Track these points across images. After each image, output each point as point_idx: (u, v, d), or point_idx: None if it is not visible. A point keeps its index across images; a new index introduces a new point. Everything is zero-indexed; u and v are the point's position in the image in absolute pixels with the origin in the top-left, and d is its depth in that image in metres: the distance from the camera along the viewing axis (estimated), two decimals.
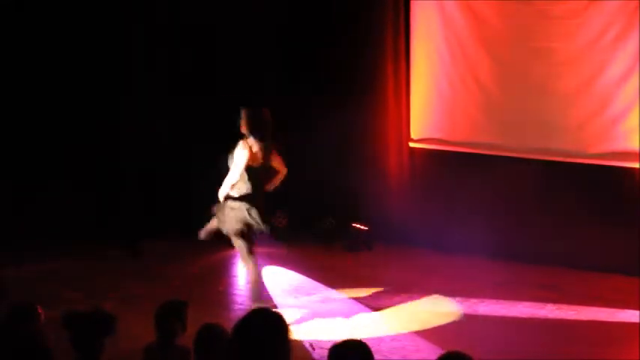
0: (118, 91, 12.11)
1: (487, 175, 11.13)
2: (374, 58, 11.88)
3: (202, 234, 9.44)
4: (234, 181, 8.77)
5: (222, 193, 8.84)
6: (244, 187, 8.84)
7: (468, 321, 9.02)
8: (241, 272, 11.15)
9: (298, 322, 8.80)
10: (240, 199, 8.85)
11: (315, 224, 12.15)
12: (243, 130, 8.85)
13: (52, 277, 10.29)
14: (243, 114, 8.89)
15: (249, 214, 8.83)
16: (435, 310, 9.34)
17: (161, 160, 12.19)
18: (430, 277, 10.39)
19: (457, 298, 9.59)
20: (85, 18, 11.85)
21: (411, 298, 9.63)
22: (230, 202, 8.86)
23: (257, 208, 8.86)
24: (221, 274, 10.83)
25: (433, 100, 11.62)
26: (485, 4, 11.04)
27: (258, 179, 8.93)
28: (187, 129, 12.13)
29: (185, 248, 11.46)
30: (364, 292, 9.81)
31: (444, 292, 9.76)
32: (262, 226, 8.88)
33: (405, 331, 8.66)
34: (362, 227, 11.77)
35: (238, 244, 9.02)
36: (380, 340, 8.36)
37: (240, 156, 8.73)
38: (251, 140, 8.80)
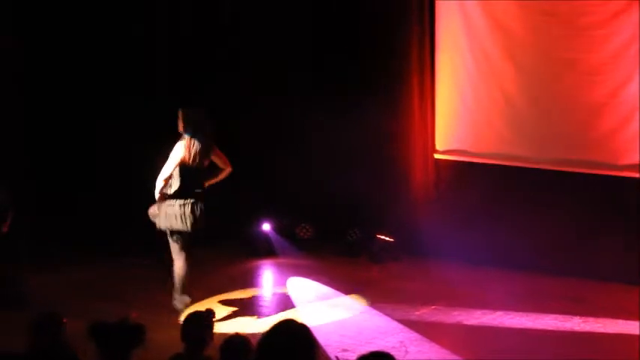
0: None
1: (512, 187, 11.11)
2: (399, 69, 11.89)
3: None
4: (166, 177, 8.90)
5: (156, 190, 8.98)
6: (177, 185, 9.00)
7: (493, 333, 8.99)
8: (267, 283, 11.22)
9: (322, 333, 8.79)
10: (174, 196, 9.00)
11: (340, 235, 12.15)
12: (180, 129, 9.01)
13: (77, 287, 10.35)
14: (179, 114, 9.06)
15: (183, 212, 8.96)
16: (460, 322, 9.32)
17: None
18: (455, 289, 10.35)
19: (482, 310, 9.57)
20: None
21: (436, 310, 9.62)
22: (167, 200, 8.99)
23: (193, 207, 9.00)
24: (246, 284, 10.84)
25: (458, 111, 11.61)
26: (511, 16, 11.02)
27: (195, 178, 9.10)
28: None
29: (211, 258, 11.50)
30: (389, 303, 9.80)
31: (469, 304, 9.74)
32: (188, 226, 8.99)
33: (430, 342, 8.64)
34: (387, 239, 11.76)
35: (171, 240, 9.15)
36: (405, 351, 8.36)
37: (175, 153, 8.90)
38: (189, 140, 8.92)
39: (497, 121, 11.28)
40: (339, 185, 11.92)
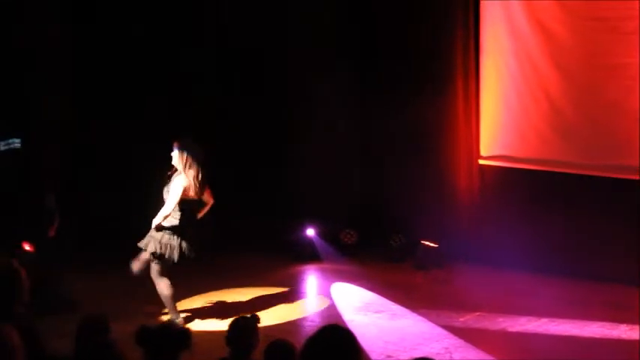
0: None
1: (557, 193, 11.04)
2: (443, 73, 11.87)
3: (135, 266, 9.37)
4: (170, 211, 8.92)
5: (155, 223, 8.96)
6: (176, 219, 9.01)
7: (538, 340, 8.94)
8: (311, 288, 11.24)
9: (366, 339, 8.79)
10: (171, 229, 9.00)
11: (384, 241, 12.14)
12: (179, 164, 8.96)
13: (123, 291, 10.43)
14: (178, 148, 8.99)
15: (179, 244, 8.99)
16: (505, 328, 9.27)
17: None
18: (499, 295, 10.32)
19: (527, 317, 9.51)
20: None
21: (481, 317, 9.58)
22: (164, 230, 9.00)
23: (188, 238, 9.04)
24: (290, 289, 10.87)
25: (503, 116, 11.56)
26: (555, 20, 10.96)
27: (194, 210, 9.17)
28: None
29: (255, 263, 11.56)
30: (433, 309, 9.78)
31: (513, 311, 9.69)
32: (184, 256, 9.03)
33: (475, 349, 8.61)
34: (432, 245, 11.73)
35: (156, 263, 9.11)
36: (449, 358, 8.34)
37: (178, 189, 8.89)
38: (196, 171, 8.92)
39: (542, 126, 11.22)
40: (384, 191, 11.93)
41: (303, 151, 12.46)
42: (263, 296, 10.42)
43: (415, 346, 8.69)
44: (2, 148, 10.57)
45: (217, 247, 11.80)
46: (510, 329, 9.26)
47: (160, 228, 8.96)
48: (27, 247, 9.53)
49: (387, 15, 12.38)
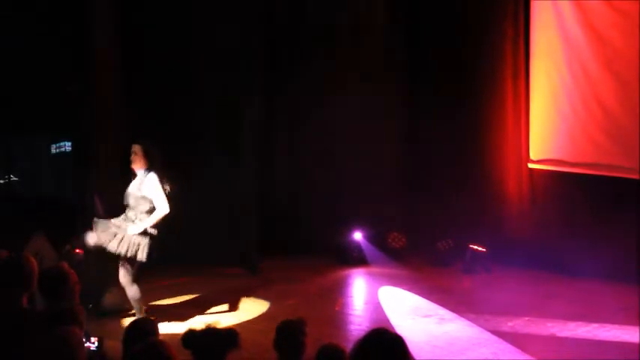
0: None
1: (608, 197, 10.92)
2: (493, 75, 11.83)
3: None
4: (167, 211, 8.89)
5: (149, 222, 8.91)
6: (153, 217, 8.97)
7: (587, 346, 8.84)
8: (359, 292, 11.23)
9: (414, 344, 8.76)
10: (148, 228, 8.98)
11: (432, 245, 12.11)
12: (140, 164, 8.96)
13: (173, 295, 10.52)
14: (139, 149, 8.97)
15: (147, 244, 8.92)
16: (554, 334, 9.19)
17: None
18: (547, 300, 10.23)
19: (576, 322, 9.42)
20: None
21: (529, 322, 9.50)
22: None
23: (154, 238, 8.98)
24: (338, 293, 10.88)
25: (553, 120, 11.47)
26: (608, 24, 10.84)
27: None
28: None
29: (303, 266, 11.58)
30: (481, 314, 9.72)
31: (562, 316, 9.60)
32: (143, 257, 8.91)
33: (523, 354, 8.54)
34: (480, 249, 11.67)
35: (130, 266, 9.01)
36: None
37: (159, 186, 8.90)
38: (159, 173, 8.95)
39: (593, 130, 11.11)
40: (432, 195, 11.90)
41: (352, 153, 12.49)
42: (310, 300, 10.44)
43: (463, 350, 8.63)
44: (54, 152, 10.72)
45: (266, 251, 11.89)
46: (559, 334, 9.17)
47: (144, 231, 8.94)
48: (77, 250, 9.62)
49: (435, 16, 12.37)
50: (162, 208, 8.92)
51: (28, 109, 10.96)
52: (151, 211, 8.95)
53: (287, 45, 12.78)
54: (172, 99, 12.02)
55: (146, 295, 10.06)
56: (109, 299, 9.76)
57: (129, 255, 8.89)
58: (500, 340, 8.90)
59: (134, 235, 8.87)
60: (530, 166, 11.72)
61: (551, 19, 11.33)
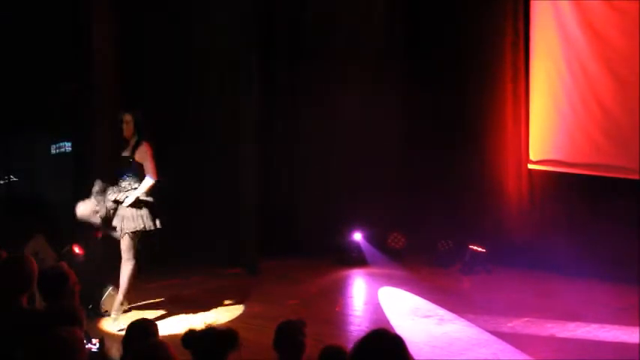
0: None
1: (608, 198, 10.92)
2: (493, 76, 11.83)
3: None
4: (157, 179, 9.04)
5: (141, 190, 9.02)
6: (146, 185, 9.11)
7: (587, 346, 8.84)
8: (358, 292, 11.23)
9: (413, 344, 8.76)
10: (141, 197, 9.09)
11: (432, 246, 12.11)
12: (131, 133, 9.08)
13: (172, 295, 10.51)
14: (130, 118, 9.09)
15: (149, 212, 9.05)
16: (553, 334, 9.19)
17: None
18: (547, 301, 10.22)
19: (575, 323, 9.41)
20: None
21: (529, 322, 9.50)
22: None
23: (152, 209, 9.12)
24: (338, 294, 10.88)
25: (552, 120, 11.47)
26: (608, 23, 10.83)
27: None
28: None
29: (302, 267, 11.58)
30: (481, 314, 9.72)
31: (562, 316, 9.59)
32: (156, 225, 9.07)
33: (523, 354, 8.54)
34: (479, 249, 11.67)
35: (131, 241, 9.08)
36: None
37: (150, 153, 9.04)
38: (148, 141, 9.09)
39: (593, 130, 11.10)
40: (431, 195, 11.90)
41: (352, 154, 12.49)
42: (310, 300, 10.44)
43: (463, 351, 8.63)
44: (54, 152, 10.71)
45: (264, 251, 11.88)
46: (559, 335, 9.17)
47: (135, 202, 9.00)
48: (77, 250, 9.62)
49: (434, 16, 12.38)
50: (153, 176, 9.01)
51: (27, 109, 10.94)
52: (138, 180, 9.07)
53: (287, 45, 12.75)
54: (172, 99, 12.00)
55: (145, 295, 10.10)
56: (108, 300, 9.75)
57: (133, 229, 9.00)
58: (500, 341, 8.90)
59: (132, 207, 8.96)
60: (530, 166, 11.71)
61: (550, 18, 11.33)
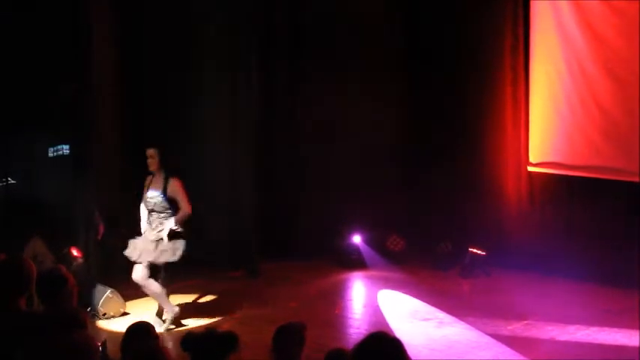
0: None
1: (607, 200, 10.91)
2: (492, 79, 11.83)
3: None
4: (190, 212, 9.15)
5: (175, 223, 9.13)
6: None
7: (587, 349, 8.83)
8: (357, 295, 11.23)
9: (412, 347, 8.74)
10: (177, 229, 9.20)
11: (431, 248, 12.10)
12: (157, 167, 9.19)
13: (173, 297, 10.49)
14: (155, 153, 9.19)
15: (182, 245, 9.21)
16: (553, 337, 9.18)
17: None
18: (547, 304, 10.21)
19: (575, 326, 9.40)
20: None
21: (529, 325, 9.49)
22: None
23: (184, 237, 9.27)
24: (337, 296, 10.87)
25: (552, 122, 11.45)
26: (607, 25, 10.81)
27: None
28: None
29: (302, 269, 11.57)
30: (480, 317, 9.71)
31: (561, 319, 9.59)
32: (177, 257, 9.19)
33: (522, 358, 8.53)
34: (479, 252, 11.66)
35: (146, 268, 9.19)
36: None
37: (182, 188, 9.18)
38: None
39: (592, 132, 11.08)
40: (430, 197, 11.89)
41: (351, 156, 12.48)
42: (309, 303, 10.42)
43: (462, 354, 8.63)
44: (51, 155, 10.69)
45: (265, 253, 11.87)
46: (559, 338, 9.16)
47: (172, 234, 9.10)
48: (75, 253, 9.61)
49: (434, 19, 12.38)
50: (187, 208, 9.11)
51: (27, 110, 10.93)
52: (170, 213, 9.14)
53: (287, 45, 12.74)
54: (172, 99, 12.00)
55: (145, 298, 10.08)
56: (106, 303, 9.74)
57: (167, 260, 9.15)
58: (500, 344, 8.90)
59: (169, 240, 9.07)
60: (530, 169, 11.70)
61: (550, 20, 11.31)
